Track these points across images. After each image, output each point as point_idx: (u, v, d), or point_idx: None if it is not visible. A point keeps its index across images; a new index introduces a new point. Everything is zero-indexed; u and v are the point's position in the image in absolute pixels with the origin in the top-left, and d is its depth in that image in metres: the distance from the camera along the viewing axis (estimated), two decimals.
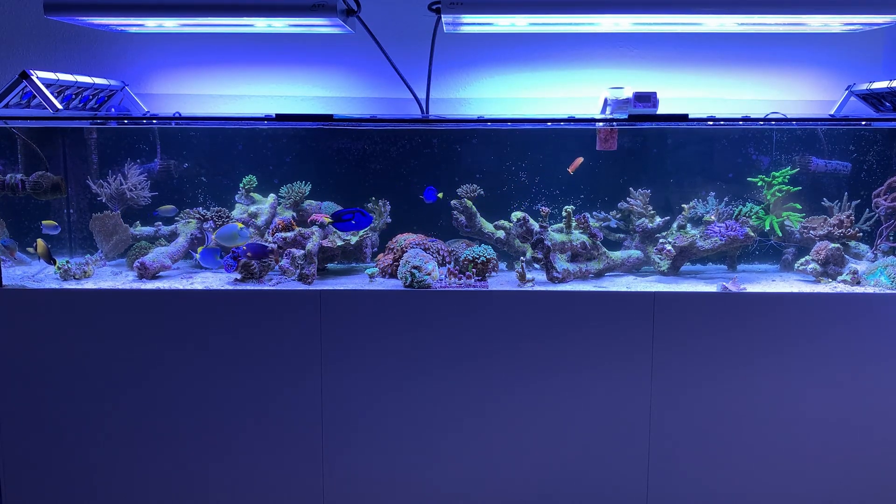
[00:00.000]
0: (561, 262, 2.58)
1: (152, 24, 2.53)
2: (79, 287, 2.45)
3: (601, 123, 2.50)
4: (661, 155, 2.80)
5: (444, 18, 2.31)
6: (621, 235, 2.80)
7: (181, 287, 2.45)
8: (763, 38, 2.78)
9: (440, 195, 2.68)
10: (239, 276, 2.52)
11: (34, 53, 2.80)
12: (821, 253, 2.57)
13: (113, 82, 2.71)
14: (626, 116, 2.41)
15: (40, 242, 2.56)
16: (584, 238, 2.63)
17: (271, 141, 2.83)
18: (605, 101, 2.52)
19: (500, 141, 2.82)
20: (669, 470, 2.38)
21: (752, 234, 2.63)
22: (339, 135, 2.81)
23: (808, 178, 2.74)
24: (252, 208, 2.78)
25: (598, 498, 2.40)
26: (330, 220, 2.54)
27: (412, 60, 2.63)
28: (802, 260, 2.63)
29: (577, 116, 2.53)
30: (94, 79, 2.58)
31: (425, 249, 2.62)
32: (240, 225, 2.52)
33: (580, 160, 2.55)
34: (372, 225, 2.74)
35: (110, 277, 2.59)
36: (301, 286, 2.46)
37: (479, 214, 2.71)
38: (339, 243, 2.63)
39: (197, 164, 2.84)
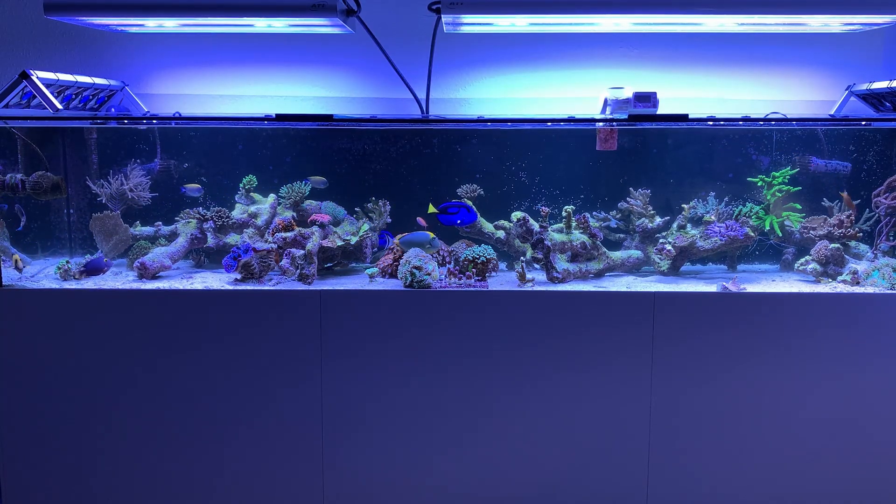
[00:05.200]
0: (561, 262, 2.58)
1: (152, 24, 2.53)
2: (79, 287, 2.45)
3: (601, 123, 2.50)
4: (661, 155, 2.80)
5: (444, 18, 2.31)
6: (621, 235, 2.80)
7: (181, 287, 2.45)
8: (763, 38, 2.78)
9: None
10: (239, 276, 2.52)
11: (34, 53, 2.80)
12: (821, 253, 2.57)
13: (113, 82, 2.71)
14: (626, 116, 2.41)
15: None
16: (584, 238, 2.63)
17: (271, 141, 2.83)
18: (605, 101, 2.52)
19: (500, 141, 2.82)
20: (669, 470, 2.38)
21: (752, 234, 2.63)
22: (339, 135, 2.81)
23: (808, 178, 2.74)
24: (252, 208, 2.78)
25: (598, 498, 2.40)
26: (435, 210, 2.51)
27: (412, 60, 2.63)
28: (802, 260, 2.63)
29: (577, 116, 2.53)
30: (94, 79, 2.58)
31: None
32: (431, 235, 2.54)
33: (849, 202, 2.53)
34: (372, 225, 2.74)
35: (110, 277, 2.59)
36: (301, 286, 2.46)
37: (479, 214, 2.71)
38: (339, 243, 2.63)
39: (197, 164, 2.84)
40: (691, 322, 2.31)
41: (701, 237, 2.64)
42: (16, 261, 2.57)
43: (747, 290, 2.39)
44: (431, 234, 2.52)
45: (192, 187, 2.76)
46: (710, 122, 2.53)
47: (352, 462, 2.39)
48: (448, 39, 2.70)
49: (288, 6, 2.22)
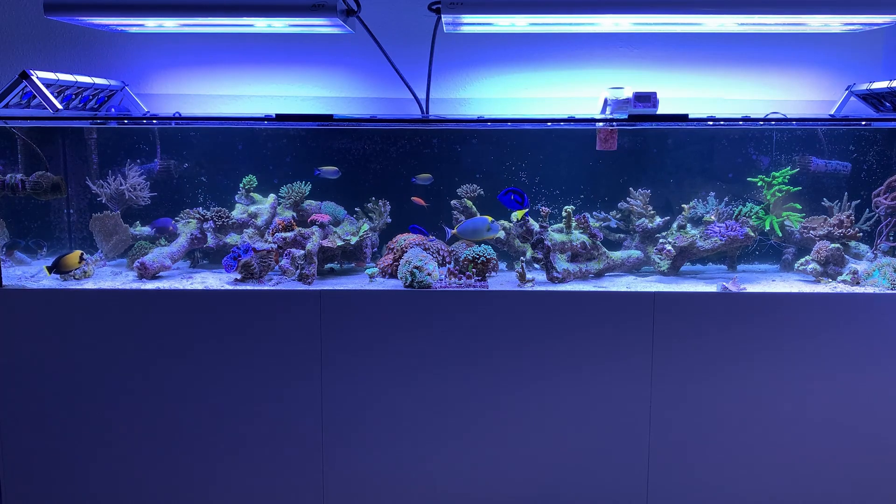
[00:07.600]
0: (561, 262, 2.58)
1: (152, 24, 2.53)
2: (79, 287, 2.45)
3: (601, 123, 2.50)
4: (661, 155, 2.80)
5: (444, 18, 2.31)
6: (621, 235, 2.80)
7: (181, 287, 2.45)
8: (763, 38, 2.78)
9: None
10: (239, 276, 2.52)
11: (34, 53, 2.80)
12: (821, 253, 2.57)
13: (113, 82, 2.71)
14: (626, 116, 2.41)
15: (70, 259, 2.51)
16: (584, 238, 2.63)
17: (271, 141, 2.83)
18: (605, 101, 2.52)
19: (500, 141, 2.82)
20: (669, 470, 2.38)
21: (752, 234, 2.63)
22: (339, 135, 2.81)
23: (808, 178, 2.74)
24: (252, 208, 2.78)
25: (598, 498, 2.40)
26: (523, 216, 2.47)
27: (412, 60, 2.63)
28: (802, 260, 2.63)
29: (577, 116, 2.53)
30: (94, 79, 2.58)
31: (425, 249, 2.62)
32: (490, 219, 2.47)
33: None
34: (371, 225, 2.74)
35: (110, 277, 2.59)
36: (301, 286, 2.46)
37: (479, 214, 2.71)
38: (339, 243, 2.63)
39: (197, 164, 2.84)
40: (691, 322, 2.31)
41: (701, 237, 2.64)
42: (80, 270, 2.51)
43: (747, 290, 2.39)
44: (490, 218, 2.51)
45: (329, 169, 2.68)
46: (710, 122, 2.53)
47: (352, 462, 2.39)
48: (448, 39, 2.70)
49: (288, 6, 2.22)
